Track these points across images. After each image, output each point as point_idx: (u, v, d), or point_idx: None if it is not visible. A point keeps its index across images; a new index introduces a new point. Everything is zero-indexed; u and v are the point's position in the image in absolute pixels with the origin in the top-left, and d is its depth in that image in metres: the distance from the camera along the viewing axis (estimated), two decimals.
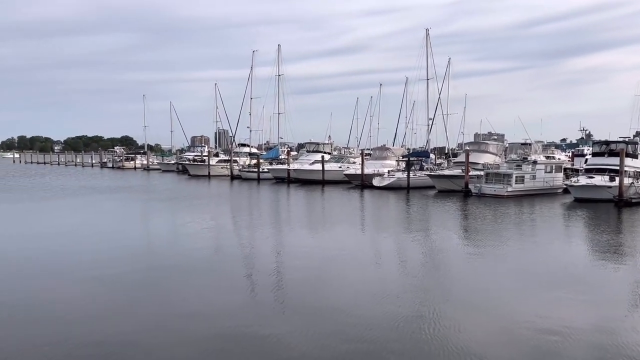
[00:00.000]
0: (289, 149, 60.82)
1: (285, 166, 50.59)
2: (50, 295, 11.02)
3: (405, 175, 40.72)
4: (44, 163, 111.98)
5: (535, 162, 36.83)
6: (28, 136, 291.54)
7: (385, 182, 40.97)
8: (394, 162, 47.41)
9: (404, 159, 46.02)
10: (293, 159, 55.26)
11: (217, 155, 67.57)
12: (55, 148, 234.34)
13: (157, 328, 9.00)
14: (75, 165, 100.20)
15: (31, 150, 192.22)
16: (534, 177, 35.73)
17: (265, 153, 63.50)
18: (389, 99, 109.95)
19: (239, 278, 12.81)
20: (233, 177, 54.74)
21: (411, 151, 51.75)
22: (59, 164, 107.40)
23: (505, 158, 41.63)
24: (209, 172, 58.88)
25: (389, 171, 43.12)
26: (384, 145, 63.07)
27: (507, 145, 46.47)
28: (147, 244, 18.12)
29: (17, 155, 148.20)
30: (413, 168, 42.43)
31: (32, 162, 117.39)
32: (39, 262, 14.44)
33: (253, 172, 53.48)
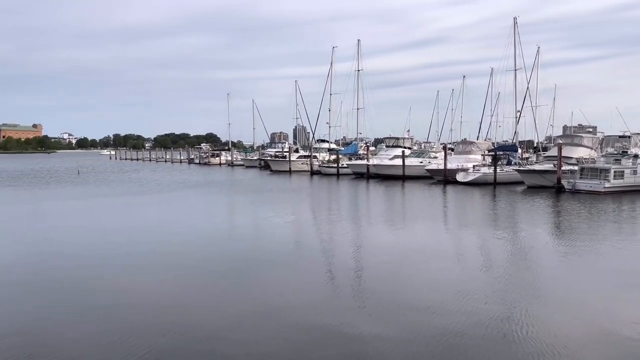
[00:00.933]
0: (367, 145, 60.46)
1: (364, 161, 50.33)
2: (143, 283, 11.59)
3: (491, 170, 39.05)
4: (137, 159, 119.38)
5: (636, 156, 33.90)
6: (122, 134, 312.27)
7: (470, 178, 39.52)
8: (479, 157, 45.60)
9: (490, 153, 44.16)
10: (372, 154, 54.80)
11: (297, 151, 68.59)
12: (146, 145, 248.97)
13: (241, 320, 9.14)
14: (165, 161, 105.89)
15: (125, 147, 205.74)
16: (635, 173, 32.89)
17: (343, 148, 63.57)
18: (471, 92, 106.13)
19: (320, 272, 12.80)
20: (313, 173, 55.29)
21: (497, 145, 49.60)
22: (150, 160, 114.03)
23: (601, 152, 38.72)
24: (290, 168, 59.88)
25: (474, 166, 41.52)
26: (465, 139, 61.00)
27: (602, 138, 43.19)
28: (232, 237, 18.64)
29: (112, 152, 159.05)
30: (500, 163, 40.59)
31: (125, 159, 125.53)
32: (136, 251, 15.29)
33: (332, 167, 53.68)
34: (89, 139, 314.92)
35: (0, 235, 18.60)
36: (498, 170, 38.71)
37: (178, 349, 7.83)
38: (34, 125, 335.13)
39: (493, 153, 42.31)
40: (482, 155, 45.95)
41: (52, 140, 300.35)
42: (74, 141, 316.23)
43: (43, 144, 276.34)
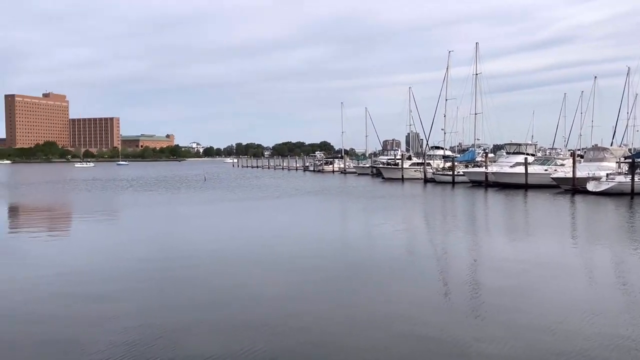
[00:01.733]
0: (485, 151, 57.77)
1: (482, 169, 48.09)
2: (258, 284, 12.00)
3: (628, 178, 35.22)
4: (256, 167, 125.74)
5: None
6: (244, 143, 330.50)
7: (602, 187, 35.97)
8: (612, 164, 41.40)
9: (626, 161, 39.90)
10: (491, 162, 52.22)
11: (409, 158, 67.56)
12: (265, 153, 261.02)
13: (352, 328, 9.05)
14: (282, 168, 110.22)
15: (246, 156, 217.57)
16: None
17: (459, 155, 61.38)
18: (603, 93, 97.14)
19: (433, 284, 12.32)
20: (426, 180, 54.02)
21: (634, 151, 44.67)
22: (268, 167, 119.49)
23: None
24: (402, 175, 59.10)
25: (607, 174, 37.77)
26: (597, 144, 55.72)
27: None
28: (345, 244, 18.72)
29: (235, 160, 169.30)
30: (638, 171, 36.50)
31: (246, 166, 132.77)
32: (253, 252, 15.97)
33: (447, 175, 52.02)
34: (215, 148, 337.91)
35: (137, 235, 20.50)
36: (637, 179, 34.79)
37: (292, 352, 7.93)
38: (167, 136, 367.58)
39: (630, 160, 38.12)
40: (617, 162, 41.65)
41: (183, 149, 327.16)
42: (201, 150, 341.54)
43: (175, 153, 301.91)
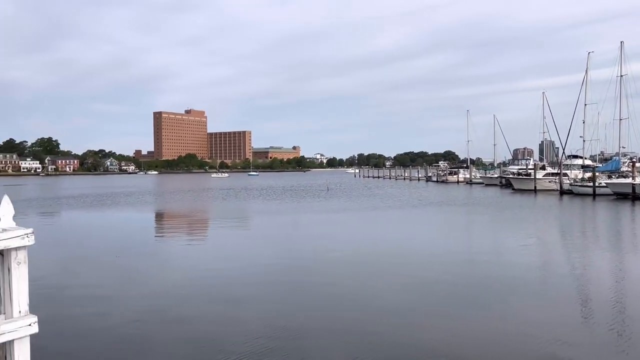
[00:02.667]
0: (633, 161, 52.04)
1: (629, 180, 43.41)
2: (378, 293, 12.04)
3: None
4: (377, 177, 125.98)
5: None
6: (365, 154, 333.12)
7: None
8: None
9: None
10: (639, 172, 46.92)
11: (543, 168, 63.12)
12: (387, 163, 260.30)
13: (479, 346, 8.72)
14: (404, 179, 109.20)
15: (367, 166, 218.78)
16: None
17: (601, 165, 55.98)
18: None
19: (569, 304, 11.38)
20: (562, 192, 50.08)
21: None
22: (389, 177, 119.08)
23: None
24: (535, 187, 55.36)
25: None
26: None
27: None
28: (470, 258, 18.06)
29: (356, 171, 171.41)
30: None
31: (368, 177, 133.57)
32: (375, 262, 16.08)
33: (587, 186, 47.74)
34: (337, 159, 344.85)
35: (266, 241, 21.69)
36: None
37: None
38: (294, 147, 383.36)
39: None
40: None
41: (308, 160, 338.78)
42: (324, 160, 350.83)
43: (300, 163, 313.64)
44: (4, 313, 3.02)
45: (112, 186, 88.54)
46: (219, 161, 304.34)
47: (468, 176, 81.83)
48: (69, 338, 9.12)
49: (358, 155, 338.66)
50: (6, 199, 3.04)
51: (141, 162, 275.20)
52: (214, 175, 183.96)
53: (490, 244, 20.97)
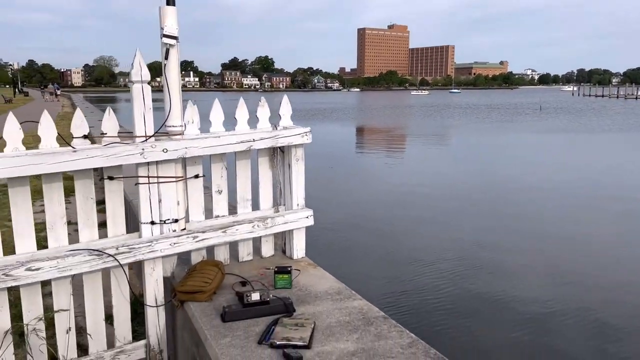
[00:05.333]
0: None
1: None
2: (588, 232, 10.73)
3: None
4: (601, 96, 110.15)
5: None
6: (586, 69, 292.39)
7: None
8: None
9: None
10: None
11: None
12: (613, 80, 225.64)
13: None
14: (636, 98, 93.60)
15: (588, 83, 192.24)
16: None
17: None
18: None
19: None
20: None
21: None
22: (617, 97, 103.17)
23: None
24: None
25: None
26: None
27: None
28: None
29: (574, 88, 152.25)
30: None
31: (589, 95, 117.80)
32: (583, 195, 14.33)
33: None
34: (551, 75, 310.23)
35: (469, 161, 20.87)
36: None
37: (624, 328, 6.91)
38: (501, 63, 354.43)
39: None
40: None
41: (516, 76, 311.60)
42: (536, 77, 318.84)
43: (507, 80, 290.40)
44: (284, 205, 3.30)
45: (320, 102, 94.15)
46: (419, 78, 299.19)
47: None
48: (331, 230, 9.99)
49: (577, 70, 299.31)
50: (285, 99, 3.20)
51: (344, 80, 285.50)
52: (413, 92, 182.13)
53: None
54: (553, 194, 13.88)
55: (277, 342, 2.18)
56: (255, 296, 2.49)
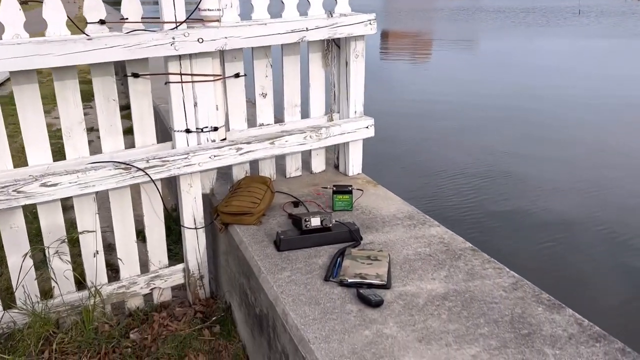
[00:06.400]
0: None
1: None
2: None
3: None
4: None
5: None
6: None
7: None
8: None
9: None
10: None
11: None
12: None
13: None
14: None
15: None
16: None
17: None
18: None
19: None
20: None
21: None
22: None
23: None
24: None
25: None
26: None
27: None
28: None
29: None
30: None
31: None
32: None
33: None
34: None
35: (497, 69, 19.66)
36: None
37: None
38: None
39: None
40: None
41: None
42: None
43: None
44: (338, 112, 2.79)
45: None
46: None
47: None
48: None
49: None
50: None
51: None
52: None
53: None
54: (590, 104, 13.00)
55: (349, 280, 1.78)
56: (316, 221, 2.06)
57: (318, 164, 2.86)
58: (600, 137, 10.33)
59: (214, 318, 2.43)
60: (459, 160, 8.84)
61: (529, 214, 6.67)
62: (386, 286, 1.75)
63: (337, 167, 2.91)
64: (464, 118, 12.00)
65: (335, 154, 2.90)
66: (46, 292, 2.43)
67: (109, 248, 2.93)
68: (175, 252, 3.26)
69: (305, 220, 2.05)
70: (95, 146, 2.39)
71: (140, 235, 2.55)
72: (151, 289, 2.51)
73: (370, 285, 1.76)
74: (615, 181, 7.78)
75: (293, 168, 2.79)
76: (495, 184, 7.75)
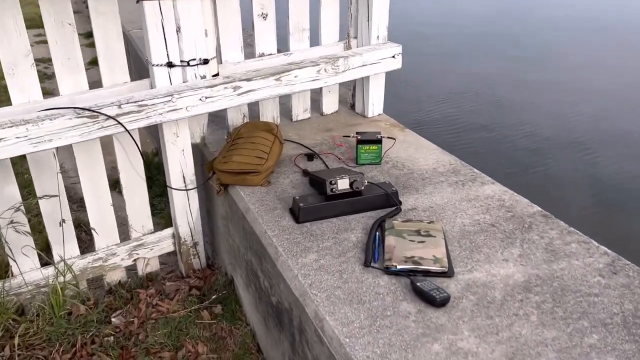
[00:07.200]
0: None
1: None
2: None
3: None
4: None
5: None
6: None
7: None
8: None
9: None
10: None
11: None
12: None
13: None
14: None
15: None
16: None
17: None
18: None
19: None
20: None
21: None
22: None
23: None
24: None
25: None
26: None
27: None
28: None
29: None
30: None
31: None
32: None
33: None
34: None
35: None
36: None
37: None
38: None
39: None
40: None
41: None
42: None
43: None
44: (356, 37, 2.25)
45: None
46: None
47: None
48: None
49: None
50: None
51: None
52: None
53: None
54: (592, 27, 12.39)
55: (398, 266, 1.35)
56: (344, 184, 1.60)
57: (330, 104, 2.36)
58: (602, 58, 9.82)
59: (213, 297, 2.01)
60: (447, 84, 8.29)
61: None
62: (448, 274, 1.33)
63: (352, 106, 2.41)
64: (457, 43, 11.35)
65: (351, 91, 2.40)
66: (4, 272, 1.98)
67: (82, 205, 2.45)
68: (161, 208, 2.80)
69: (331, 183, 1.59)
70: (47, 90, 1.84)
71: (117, 187, 2.07)
72: (134, 260, 2.07)
73: (427, 273, 1.33)
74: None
75: (300, 109, 2.29)
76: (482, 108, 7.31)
